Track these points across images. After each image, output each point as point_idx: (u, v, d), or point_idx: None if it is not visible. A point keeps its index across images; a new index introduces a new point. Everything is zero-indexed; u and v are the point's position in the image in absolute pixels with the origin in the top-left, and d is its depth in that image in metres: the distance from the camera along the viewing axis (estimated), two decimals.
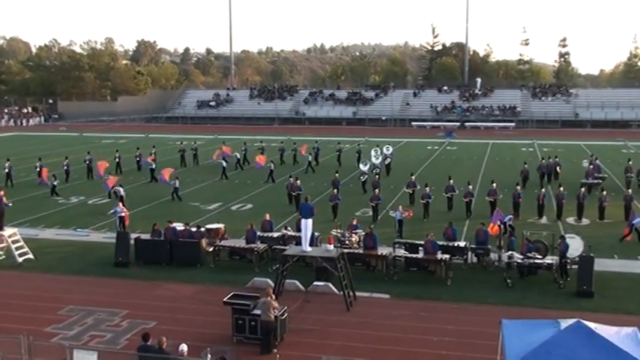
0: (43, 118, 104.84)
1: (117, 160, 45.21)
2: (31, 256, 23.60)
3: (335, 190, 31.79)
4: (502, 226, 23.68)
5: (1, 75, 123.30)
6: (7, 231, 23.72)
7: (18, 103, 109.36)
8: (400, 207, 27.10)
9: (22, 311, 18.37)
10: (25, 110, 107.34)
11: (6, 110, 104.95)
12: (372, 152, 43.25)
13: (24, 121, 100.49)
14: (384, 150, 39.22)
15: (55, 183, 37.09)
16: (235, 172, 44.84)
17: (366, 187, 36.13)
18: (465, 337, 16.39)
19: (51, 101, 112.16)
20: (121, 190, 32.86)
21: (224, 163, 43.21)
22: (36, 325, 16.86)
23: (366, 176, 37.46)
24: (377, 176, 37.39)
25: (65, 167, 41.63)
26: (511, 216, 25.50)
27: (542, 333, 11.56)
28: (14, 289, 20.54)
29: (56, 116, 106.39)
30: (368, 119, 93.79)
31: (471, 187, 31.29)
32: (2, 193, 24.46)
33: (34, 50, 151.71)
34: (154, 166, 42.24)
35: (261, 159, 43.65)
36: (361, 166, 39.24)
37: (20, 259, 23.20)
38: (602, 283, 20.01)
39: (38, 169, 40.47)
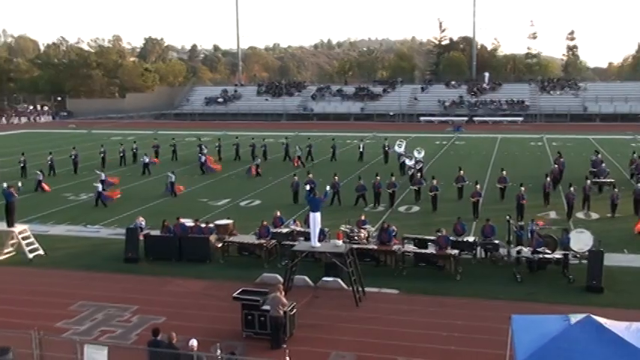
0: (51, 116, 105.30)
1: (102, 155, 46.38)
2: (41, 252, 23.75)
3: (361, 180, 32.63)
4: None
5: (10, 73, 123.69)
6: (18, 227, 23.89)
7: (27, 101, 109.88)
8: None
9: (33, 307, 18.47)
10: (33, 107, 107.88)
11: (19, 108, 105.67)
12: (396, 146, 43.81)
13: (34, 119, 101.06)
14: (415, 153, 39.46)
15: (40, 178, 37.58)
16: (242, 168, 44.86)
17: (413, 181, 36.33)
18: (475, 332, 16.37)
19: (59, 99, 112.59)
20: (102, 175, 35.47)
21: (202, 158, 44.01)
22: (47, 321, 16.95)
23: (412, 170, 37.47)
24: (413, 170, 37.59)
25: (49, 162, 42.62)
26: None
27: (552, 328, 11.53)
28: (25, 284, 20.67)
29: (64, 114, 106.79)
30: (376, 114, 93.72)
31: (478, 186, 30.79)
32: (12, 189, 24.55)
33: (42, 48, 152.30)
34: (147, 160, 43.62)
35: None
36: (407, 160, 39.42)
37: (31, 255, 23.34)
38: (612, 277, 19.95)
39: (22, 165, 42.15)
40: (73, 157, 44.41)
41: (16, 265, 22.86)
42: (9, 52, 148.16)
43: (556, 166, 37.17)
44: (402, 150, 42.45)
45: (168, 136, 62.03)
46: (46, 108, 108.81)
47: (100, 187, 33.34)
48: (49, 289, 20.13)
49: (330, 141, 51.93)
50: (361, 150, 48.90)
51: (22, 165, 42.39)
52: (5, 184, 25.01)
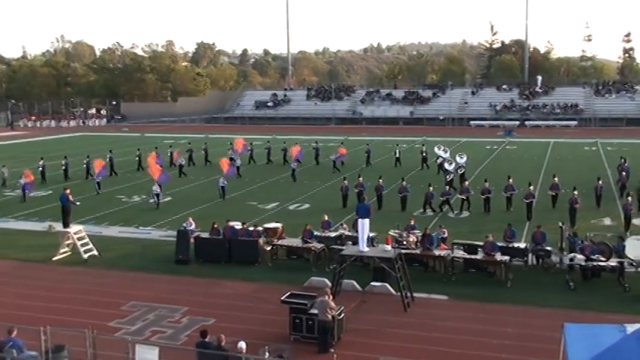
0: (105, 119, 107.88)
1: (137, 157, 47.14)
2: (95, 252, 24.35)
3: (403, 182, 32.33)
4: None
5: (67, 77, 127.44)
6: (73, 228, 24.53)
7: (83, 105, 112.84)
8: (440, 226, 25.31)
9: (87, 306, 18.95)
10: (90, 111, 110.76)
11: (77, 112, 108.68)
12: (441, 151, 43.43)
13: (89, 122, 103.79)
14: (457, 158, 39.10)
15: (98, 179, 38.25)
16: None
17: (455, 186, 35.44)
18: (526, 340, 16.07)
19: (114, 102, 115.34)
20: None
21: (238, 162, 43.82)
22: (100, 320, 17.37)
23: (452, 175, 37.03)
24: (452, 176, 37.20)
25: (85, 165, 43.17)
26: None
27: (607, 338, 11.21)
28: (80, 284, 21.24)
29: (119, 117, 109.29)
30: (425, 119, 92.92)
31: (532, 187, 30.45)
32: (68, 191, 25.16)
33: (98, 53, 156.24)
34: (183, 162, 44.63)
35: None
36: (446, 164, 39.13)
37: (85, 256, 23.97)
38: None
39: (64, 167, 43.05)
40: (108, 159, 45.30)
41: (71, 264, 23.51)
42: (66, 57, 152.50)
43: (624, 173, 35.50)
44: (447, 155, 42.12)
45: (219, 140, 62.78)
46: (103, 112, 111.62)
47: (157, 189, 33.82)
48: (103, 289, 20.61)
49: (365, 146, 51.18)
50: (397, 156, 47.93)
51: (64, 168, 43.03)
52: (68, 191, 25.37)
